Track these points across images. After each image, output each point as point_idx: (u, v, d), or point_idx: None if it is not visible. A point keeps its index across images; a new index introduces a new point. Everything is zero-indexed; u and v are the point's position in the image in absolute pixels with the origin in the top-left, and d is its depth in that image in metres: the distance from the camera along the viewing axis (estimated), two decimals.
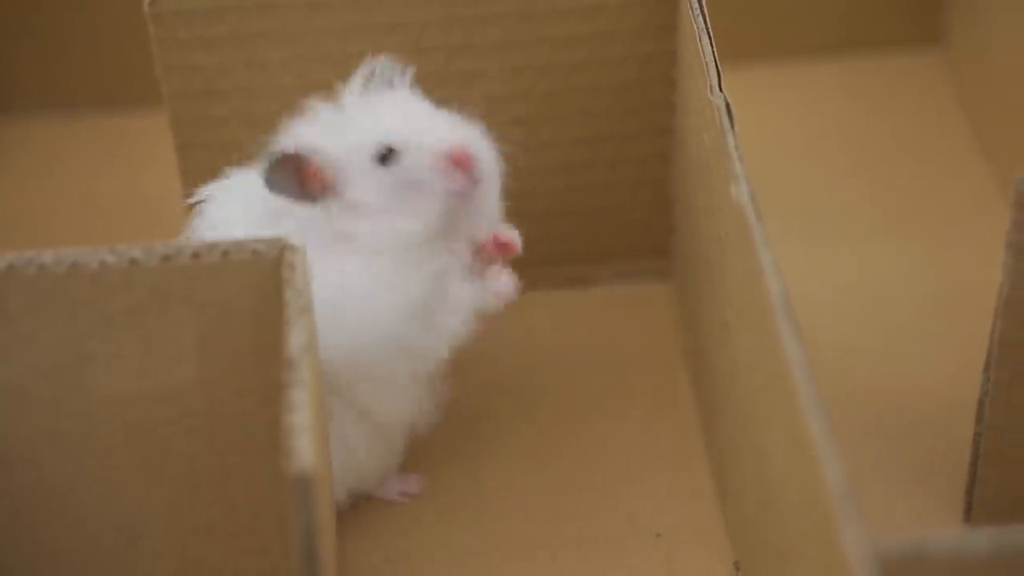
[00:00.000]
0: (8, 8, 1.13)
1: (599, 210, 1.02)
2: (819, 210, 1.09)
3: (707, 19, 0.86)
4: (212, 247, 0.73)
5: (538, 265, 0.97)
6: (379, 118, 0.82)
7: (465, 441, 0.95)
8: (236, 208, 0.84)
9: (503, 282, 0.85)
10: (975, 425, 0.84)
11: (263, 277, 0.74)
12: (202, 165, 0.88)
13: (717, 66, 0.83)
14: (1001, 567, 0.62)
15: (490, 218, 0.85)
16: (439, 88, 0.94)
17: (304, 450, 0.66)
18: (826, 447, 0.66)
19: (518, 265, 0.87)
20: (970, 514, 0.87)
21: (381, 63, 0.85)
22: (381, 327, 0.81)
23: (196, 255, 0.73)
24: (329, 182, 0.81)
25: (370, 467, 0.89)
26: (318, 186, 0.81)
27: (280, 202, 0.81)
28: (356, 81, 0.84)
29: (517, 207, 0.87)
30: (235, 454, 0.78)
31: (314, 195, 0.81)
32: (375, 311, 0.81)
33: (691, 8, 0.87)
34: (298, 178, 0.81)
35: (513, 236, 0.85)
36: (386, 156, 0.81)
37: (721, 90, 0.82)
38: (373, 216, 0.81)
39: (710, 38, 0.85)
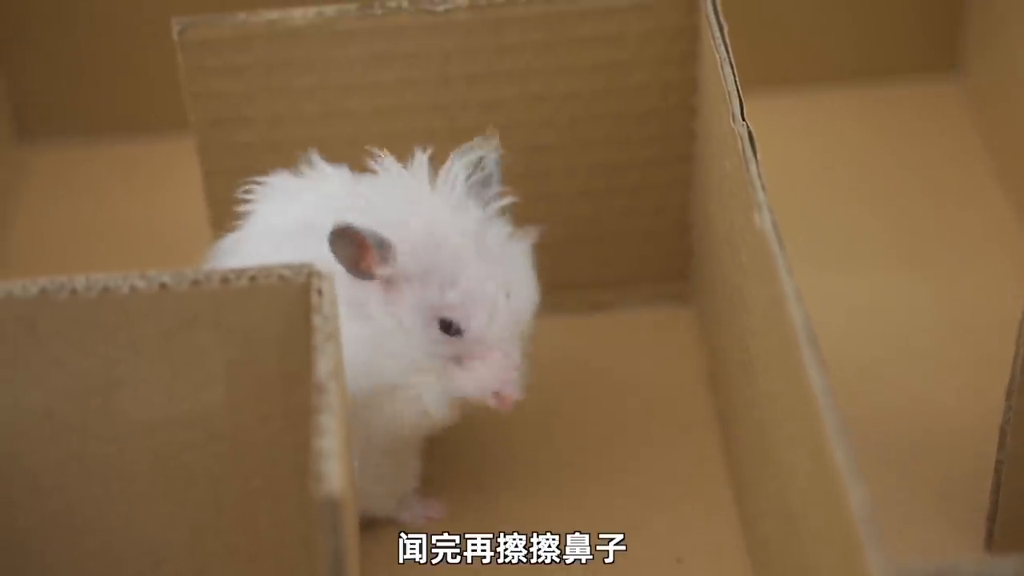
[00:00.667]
0: (34, 35, 1.14)
1: (620, 235, 1.02)
2: (836, 236, 1.09)
3: (729, 48, 0.86)
4: (240, 273, 0.74)
5: (559, 290, 0.97)
6: (460, 277, 0.81)
7: (484, 465, 0.95)
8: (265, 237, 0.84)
9: (502, 382, 0.83)
10: (997, 452, 0.84)
11: (290, 303, 0.74)
12: (228, 191, 0.88)
13: (740, 95, 0.83)
14: None
15: None
16: (462, 116, 0.95)
17: (333, 475, 0.66)
18: (851, 474, 0.66)
19: (540, 290, 0.87)
20: (991, 541, 0.87)
21: (486, 154, 0.83)
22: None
23: (225, 280, 0.74)
24: (381, 275, 0.81)
25: (382, 491, 0.89)
26: (369, 270, 0.81)
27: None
28: (460, 165, 0.83)
29: (538, 233, 0.88)
30: (260, 479, 0.79)
31: (364, 274, 0.81)
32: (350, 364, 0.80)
33: (713, 37, 0.88)
34: (357, 254, 0.81)
35: (511, 388, 0.83)
36: (448, 328, 0.82)
37: (744, 119, 0.82)
38: (397, 332, 0.82)
39: (732, 67, 0.85)
